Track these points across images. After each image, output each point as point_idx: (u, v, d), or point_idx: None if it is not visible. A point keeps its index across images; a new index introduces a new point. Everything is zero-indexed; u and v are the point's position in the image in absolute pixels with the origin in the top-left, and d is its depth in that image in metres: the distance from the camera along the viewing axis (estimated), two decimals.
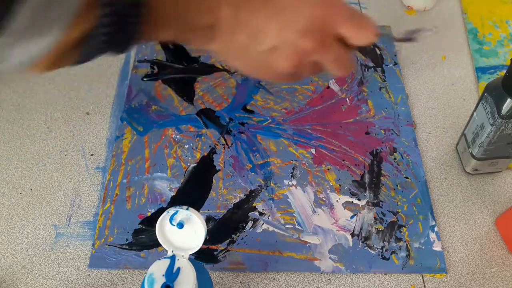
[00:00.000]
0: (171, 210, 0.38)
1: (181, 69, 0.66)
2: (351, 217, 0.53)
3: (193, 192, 0.55)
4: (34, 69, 0.33)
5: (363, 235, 0.52)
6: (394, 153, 0.58)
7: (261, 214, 0.54)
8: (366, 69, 0.66)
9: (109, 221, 0.53)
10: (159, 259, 0.38)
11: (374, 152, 0.58)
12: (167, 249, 0.39)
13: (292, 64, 0.40)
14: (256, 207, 0.54)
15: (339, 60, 0.41)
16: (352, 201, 0.55)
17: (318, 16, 0.39)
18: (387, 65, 0.66)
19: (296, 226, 0.53)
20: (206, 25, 0.38)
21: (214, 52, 0.41)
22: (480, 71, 0.66)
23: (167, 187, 0.56)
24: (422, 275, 0.51)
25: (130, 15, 0.33)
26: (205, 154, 0.58)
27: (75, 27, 0.30)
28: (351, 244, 0.52)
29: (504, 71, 0.48)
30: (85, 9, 0.30)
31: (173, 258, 0.38)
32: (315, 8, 0.39)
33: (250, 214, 0.54)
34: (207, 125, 0.60)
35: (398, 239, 0.52)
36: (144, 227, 0.53)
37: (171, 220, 0.38)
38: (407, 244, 0.52)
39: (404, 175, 0.57)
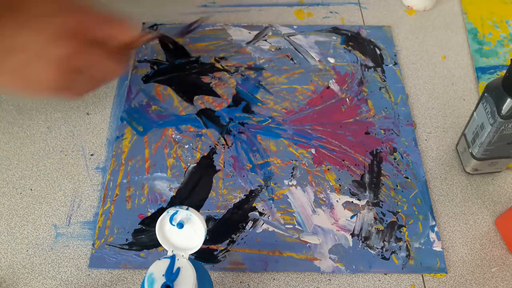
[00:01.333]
0: (171, 210, 0.38)
1: (181, 69, 0.66)
2: (351, 217, 0.54)
3: (193, 192, 0.55)
4: None
5: (363, 235, 0.52)
6: (394, 153, 0.58)
7: (261, 214, 0.54)
8: (366, 69, 0.66)
9: (109, 221, 0.53)
10: (159, 259, 0.38)
11: (374, 152, 0.58)
12: (167, 249, 0.39)
13: (54, 73, 0.39)
14: (256, 207, 0.54)
15: (105, 62, 0.43)
16: (352, 201, 0.55)
17: (68, 24, 0.39)
18: (387, 65, 0.66)
19: (296, 226, 0.53)
20: None
21: None
22: (480, 71, 0.66)
23: (167, 187, 0.56)
24: (422, 275, 0.51)
25: None
26: (205, 154, 0.58)
27: None
28: (351, 244, 0.52)
29: (504, 71, 0.48)
30: None
31: (173, 258, 0.38)
32: (65, 16, 0.39)
33: (250, 214, 0.54)
34: (207, 125, 0.60)
35: (398, 239, 0.52)
36: (144, 227, 0.53)
37: (171, 220, 0.38)
38: (407, 244, 0.52)
39: (404, 175, 0.57)
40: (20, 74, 0.39)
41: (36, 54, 0.38)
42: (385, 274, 0.51)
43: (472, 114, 0.54)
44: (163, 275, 0.37)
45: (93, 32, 0.41)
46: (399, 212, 0.54)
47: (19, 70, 0.39)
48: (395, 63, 0.67)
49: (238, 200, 0.55)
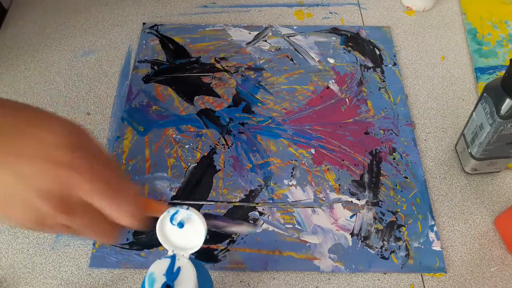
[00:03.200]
0: (172, 210, 0.38)
1: (181, 69, 0.66)
2: (351, 217, 0.54)
3: (193, 192, 0.55)
4: None
5: (362, 234, 0.53)
6: (394, 153, 0.58)
7: (261, 214, 0.54)
8: (366, 70, 0.66)
9: None
10: (160, 259, 0.38)
11: (374, 152, 0.59)
12: (167, 248, 0.39)
13: (29, 222, 0.34)
14: (256, 207, 0.54)
15: (94, 227, 0.35)
16: (351, 201, 0.55)
17: (61, 179, 0.32)
18: (387, 66, 0.67)
19: (296, 226, 0.53)
20: None
21: None
22: (479, 71, 0.66)
23: (167, 187, 0.56)
24: (421, 274, 0.51)
25: None
26: (206, 154, 0.58)
27: None
28: (350, 243, 0.52)
29: (503, 71, 0.48)
30: None
31: (173, 257, 0.38)
32: (60, 169, 0.32)
33: (250, 214, 0.54)
34: (207, 125, 0.61)
35: (398, 239, 0.52)
36: None
37: (171, 219, 0.38)
38: (406, 244, 0.52)
39: (404, 175, 0.57)
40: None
41: (13, 198, 0.32)
42: (385, 273, 0.51)
43: (471, 114, 0.54)
44: (163, 274, 0.37)
45: (86, 196, 0.34)
46: (398, 211, 0.54)
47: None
48: (395, 64, 0.67)
49: (238, 200, 0.55)
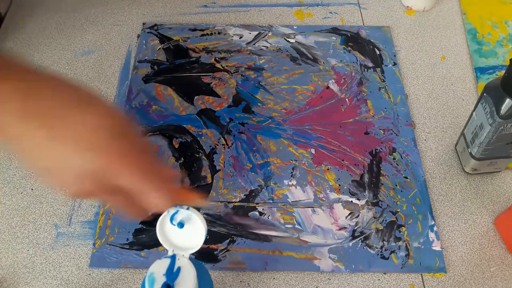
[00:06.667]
0: (172, 210, 0.38)
1: (181, 69, 0.66)
2: (351, 217, 0.54)
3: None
4: None
5: (362, 234, 0.53)
6: (394, 153, 0.58)
7: (261, 214, 0.54)
8: (366, 69, 0.66)
9: (109, 220, 0.53)
10: (160, 259, 0.38)
11: (374, 152, 0.59)
12: (167, 248, 0.39)
13: (71, 193, 0.36)
14: (256, 207, 0.54)
15: (125, 208, 0.38)
16: (351, 201, 0.55)
17: (97, 162, 0.34)
18: (387, 65, 0.67)
19: (296, 226, 0.53)
20: None
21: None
22: (479, 71, 0.66)
23: None
24: (421, 274, 0.51)
25: None
26: (206, 154, 0.58)
27: None
28: (350, 243, 0.52)
29: (503, 71, 0.48)
30: None
31: (173, 257, 0.38)
32: (96, 152, 0.34)
33: (250, 214, 0.54)
34: (207, 125, 0.61)
35: (398, 239, 0.52)
36: (144, 227, 0.53)
37: (171, 219, 0.38)
38: (406, 244, 0.52)
39: (404, 175, 0.57)
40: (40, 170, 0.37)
41: (56, 171, 0.35)
42: (385, 273, 0.51)
43: (471, 114, 0.54)
44: (163, 274, 0.37)
45: (121, 182, 0.35)
46: (398, 211, 0.54)
47: (39, 170, 0.37)
48: (395, 63, 0.67)
49: (238, 200, 0.55)
